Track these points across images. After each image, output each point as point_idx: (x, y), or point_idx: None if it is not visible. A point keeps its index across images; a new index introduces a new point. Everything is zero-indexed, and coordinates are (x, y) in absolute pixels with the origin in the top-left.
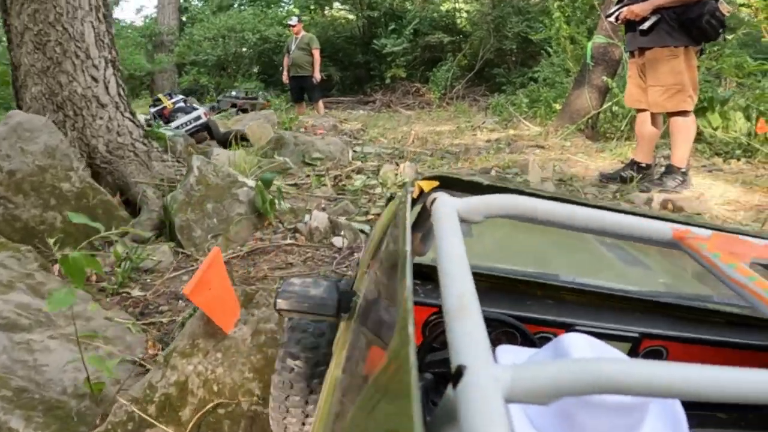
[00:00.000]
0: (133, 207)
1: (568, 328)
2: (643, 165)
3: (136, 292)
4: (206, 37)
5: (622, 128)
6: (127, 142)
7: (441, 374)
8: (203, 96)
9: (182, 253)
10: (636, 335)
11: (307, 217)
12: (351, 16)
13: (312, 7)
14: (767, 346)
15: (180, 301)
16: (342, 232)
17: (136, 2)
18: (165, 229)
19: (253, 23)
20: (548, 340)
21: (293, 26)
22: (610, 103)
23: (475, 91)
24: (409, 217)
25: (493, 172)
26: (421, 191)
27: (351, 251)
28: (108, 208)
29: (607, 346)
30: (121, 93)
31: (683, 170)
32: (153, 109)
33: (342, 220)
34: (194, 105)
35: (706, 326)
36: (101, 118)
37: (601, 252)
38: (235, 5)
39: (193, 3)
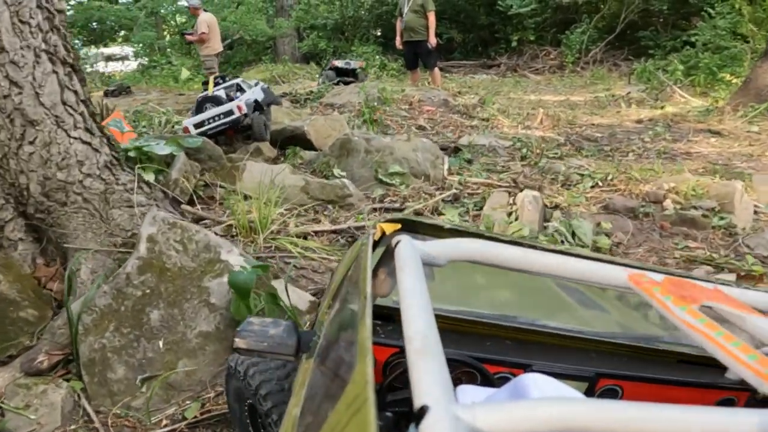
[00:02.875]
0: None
1: (527, 368)
2: None
3: None
4: (322, 0)
5: None
6: (73, 178)
7: (401, 413)
8: (321, 60)
9: (84, 410)
10: (592, 375)
11: None
12: None
13: None
14: (714, 384)
15: None
16: None
17: None
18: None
19: None
20: (507, 380)
21: None
22: None
23: (615, 55)
24: (371, 259)
25: (668, 204)
26: (383, 233)
27: None
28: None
29: (565, 386)
30: (68, 100)
31: None
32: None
33: None
34: (247, 87)
35: (659, 365)
36: (31, 142)
37: (559, 295)
38: None
39: None
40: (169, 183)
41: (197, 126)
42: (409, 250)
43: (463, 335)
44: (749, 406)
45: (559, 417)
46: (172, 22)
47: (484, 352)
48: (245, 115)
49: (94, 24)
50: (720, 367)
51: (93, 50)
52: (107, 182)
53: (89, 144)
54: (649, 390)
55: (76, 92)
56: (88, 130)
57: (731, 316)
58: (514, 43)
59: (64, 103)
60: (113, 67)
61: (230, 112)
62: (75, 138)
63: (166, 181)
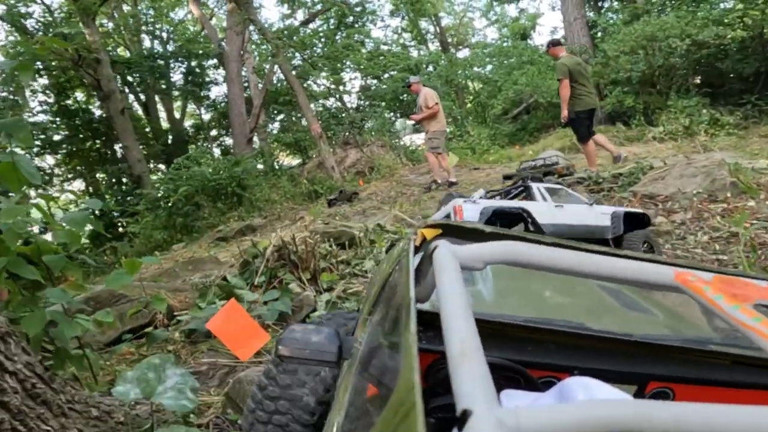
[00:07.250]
0: None
1: (572, 371)
2: None
3: None
4: (622, 51)
5: None
6: None
7: (444, 419)
8: (631, 119)
9: None
10: (641, 377)
11: None
12: None
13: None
14: None
15: None
16: None
17: (551, 23)
18: None
19: (679, 27)
20: (552, 384)
21: (549, 49)
22: None
23: None
24: (413, 264)
25: None
26: (424, 239)
27: None
28: None
29: (613, 389)
30: None
31: None
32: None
33: None
34: (547, 193)
35: (712, 368)
36: None
37: (601, 296)
38: (654, 10)
39: (603, 15)
40: None
41: None
42: (446, 254)
43: (504, 340)
44: None
45: (607, 419)
46: (471, 88)
47: (527, 356)
48: None
49: (402, 96)
50: None
51: (402, 122)
52: None
53: None
54: (702, 392)
55: None
56: None
57: None
58: None
59: None
60: (418, 140)
61: None
62: None
63: None
